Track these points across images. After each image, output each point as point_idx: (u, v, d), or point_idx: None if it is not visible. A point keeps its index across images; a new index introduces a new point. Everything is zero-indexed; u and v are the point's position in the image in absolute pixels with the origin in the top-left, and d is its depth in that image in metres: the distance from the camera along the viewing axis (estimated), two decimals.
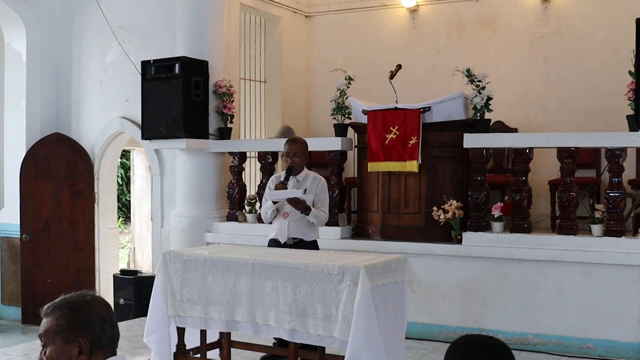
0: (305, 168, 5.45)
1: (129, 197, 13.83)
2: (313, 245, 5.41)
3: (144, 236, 12.51)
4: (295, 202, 5.15)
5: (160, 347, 4.62)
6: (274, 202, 5.32)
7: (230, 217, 7.33)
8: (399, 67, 6.69)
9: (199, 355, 4.80)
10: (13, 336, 7.63)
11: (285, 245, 5.27)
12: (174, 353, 4.71)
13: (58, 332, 2.08)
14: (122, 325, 6.55)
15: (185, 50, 7.22)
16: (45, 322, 2.11)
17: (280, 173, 5.59)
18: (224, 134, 7.38)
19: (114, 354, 2.17)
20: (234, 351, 4.91)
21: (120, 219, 15.11)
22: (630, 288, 5.50)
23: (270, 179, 5.59)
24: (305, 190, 5.28)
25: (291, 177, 5.33)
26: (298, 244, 5.31)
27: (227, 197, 7.38)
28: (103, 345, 2.12)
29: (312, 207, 5.23)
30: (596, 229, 5.73)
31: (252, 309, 4.32)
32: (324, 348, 4.27)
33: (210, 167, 7.42)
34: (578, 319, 5.66)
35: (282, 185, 5.27)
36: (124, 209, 15.68)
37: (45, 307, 2.13)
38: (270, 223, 5.51)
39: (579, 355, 5.59)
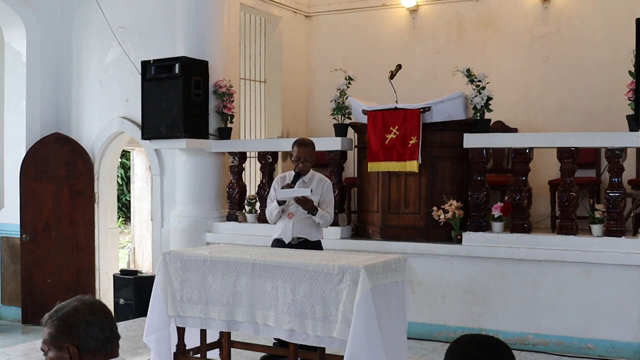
0: (311, 169, 5.45)
1: (129, 197, 13.82)
2: (317, 245, 5.40)
3: (144, 236, 12.50)
4: (303, 202, 5.15)
5: (160, 347, 4.62)
6: (280, 203, 5.30)
7: (230, 217, 7.33)
8: (399, 67, 6.69)
9: (199, 355, 4.80)
10: (13, 336, 7.63)
11: (290, 245, 5.27)
12: (174, 353, 4.71)
13: (51, 341, 2.16)
14: (122, 325, 6.55)
15: (185, 50, 7.22)
16: (43, 332, 2.20)
17: (285, 174, 5.56)
18: (224, 134, 7.38)
19: (113, 355, 2.19)
20: (234, 351, 4.91)
21: (120, 219, 15.11)
22: (630, 288, 5.50)
23: (276, 179, 5.56)
24: (311, 190, 5.27)
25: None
26: (302, 243, 5.30)
27: (227, 197, 7.38)
28: (91, 348, 2.15)
29: (318, 208, 5.23)
30: (596, 229, 5.73)
31: (251, 309, 4.32)
32: (324, 348, 4.27)
33: (210, 167, 7.42)
34: (578, 319, 5.66)
35: (288, 187, 5.26)
36: (124, 209, 15.67)
37: (44, 317, 2.21)
38: (274, 223, 5.51)
39: (579, 355, 5.59)
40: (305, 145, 5.41)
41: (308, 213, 5.23)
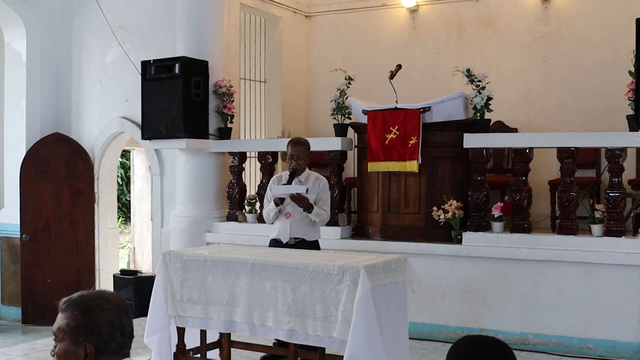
0: (307, 168, 5.46)
1: (129, 197, 13.83)
2: (314, 245, 5.41)
3: (144, 236, 12.50)
4: (298, 199, 5.16)
5: (160, 347, 4.62)
6: (277, 203, 5.30)
7: (230, 217, 7.33)
8: (399, 67, 6.69)
9: (199, 355, 4.80)
10: (13, 336, 7.63)
11: (287, 245, 5.27)
12: (174, 353, 4.71)
13: (68, 332, 2.10)
14: None
15: (185, 50, 7.22)
16: (59, 318, 2.13)
17: (281, 174, 5.58)
18: (224, 134, 7.38)
19: (126, 356, 2.16)
20: (234, 351, 4.91)
21: (120, 219, 15.10)
22: (630, 288, 5.50)
23: (272, 179, 5.59)
24: (307, 190, 5.29)
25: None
26: (300, 243, 5.31)
27: (227, 197, 7.39)
28: (110, 351, 2.11)
29: (314, 206, 5.24)
30: (596, 229, 5.73)
31: (250, 310, 4.32)
32: (324, 348, 4.27)
33: (210, 167, 7.42)
34: (578, 319, 5.66)
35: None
36: (124, 209, 15.67)
37: (63, 301, 2.14)
38: (272, 223, 5.52)
39: (579, 355, 5.59)
40: (298, 143, 5.42)
41: (304, 211, 5.23)
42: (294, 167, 5.33)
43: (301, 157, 5.35)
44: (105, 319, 2.10)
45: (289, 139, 5.69)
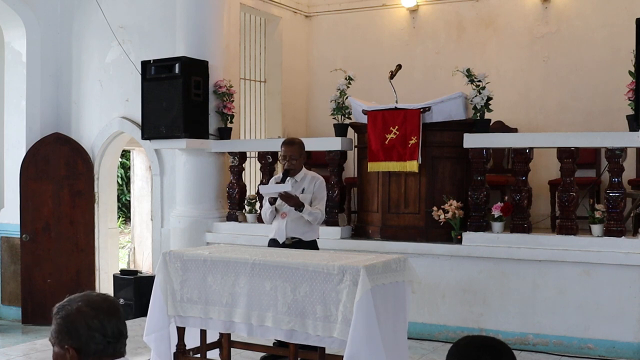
0: (303, 168, 5.46)
1: (129, 197, 13.82)
2: (312, 245, 5.40)
3: (144, 236, 12.50)
4: (287, 197, 5.16)
5: (160, 347, 4.62)
6: (271, 203, 5.32)
7: (230, 217, 7.33)
8: (399, 67, 6.69)
9: (199, 355, 4.80)
10: (13, 336, 7.63)
11: (284, 245, 5.28)
12: (174, 353, 4.71)
13: (55, 337, 2.16)
14: None
15: (185, 50, 7.22)
16: (52, 323, 2.19)
17: (280, 175, 5.58)
18: (224, 134, 7.39)
19: (118, 355, 2.16)
20: (234, 351, 4.91)
21: (120, 219, 15.10)
22: (630, 288, 5.50)
23: (270, 180, 5.61)
24: (303, 189, 5.29)
25: (289, 177, 5.34)
26: (296, 243, 5.31)
27: (227, 197, 7.39)
28: (92, 353, 2.12)
29: (305, 204, 5.23)
30: (596, 229, 5.73)
31: (250, 310, 4.32)
32: (324, 348, 4.26)
33: (210, 167, 7.42)
34: (578, 319, 5.66)
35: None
36: (124, 209, 15.67)
37: (54, 308, 2.19)
38: (270, 223, 5.52)
39: (579, 355, 5.59)
40: (291, 143, 5.41)
41: (296, 209, 5.23)
42: (287, 167, 5.33)
43: (294, 157, 5.34)
44: (82, 322, 2.12)
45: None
